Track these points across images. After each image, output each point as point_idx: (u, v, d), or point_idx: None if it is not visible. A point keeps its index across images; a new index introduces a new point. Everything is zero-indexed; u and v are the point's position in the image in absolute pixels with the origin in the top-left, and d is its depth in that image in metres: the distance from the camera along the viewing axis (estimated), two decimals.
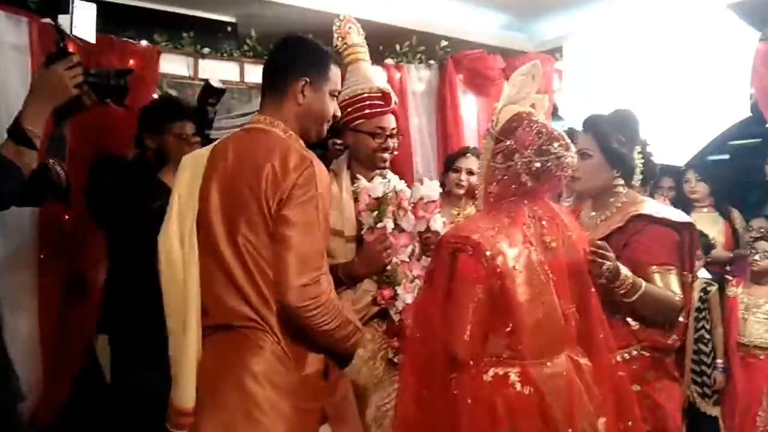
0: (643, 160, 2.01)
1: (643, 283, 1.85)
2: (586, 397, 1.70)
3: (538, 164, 1.69)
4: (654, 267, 1.91)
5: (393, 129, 2.33)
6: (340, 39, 2.41)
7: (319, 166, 1.65)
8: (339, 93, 1.85)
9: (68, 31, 1.87)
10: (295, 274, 1.56)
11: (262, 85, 1.81)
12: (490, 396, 1.65)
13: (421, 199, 2.29)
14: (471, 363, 1.68)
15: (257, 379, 1.58)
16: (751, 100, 3.12)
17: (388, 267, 2.16)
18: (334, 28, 2.42)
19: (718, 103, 3.03)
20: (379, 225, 2.17)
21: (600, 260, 1.76)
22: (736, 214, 3.71)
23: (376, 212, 2.18)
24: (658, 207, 2.00)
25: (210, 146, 1.78)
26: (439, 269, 1.75)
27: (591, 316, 1.78)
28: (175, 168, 1.80)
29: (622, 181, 2.01)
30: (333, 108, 1.81)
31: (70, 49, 1.88)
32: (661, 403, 1.92)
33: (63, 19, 1.88)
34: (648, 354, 1.93)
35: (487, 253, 1.64)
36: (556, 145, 1.70)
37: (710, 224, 3.59)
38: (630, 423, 1.75)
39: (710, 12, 3.12)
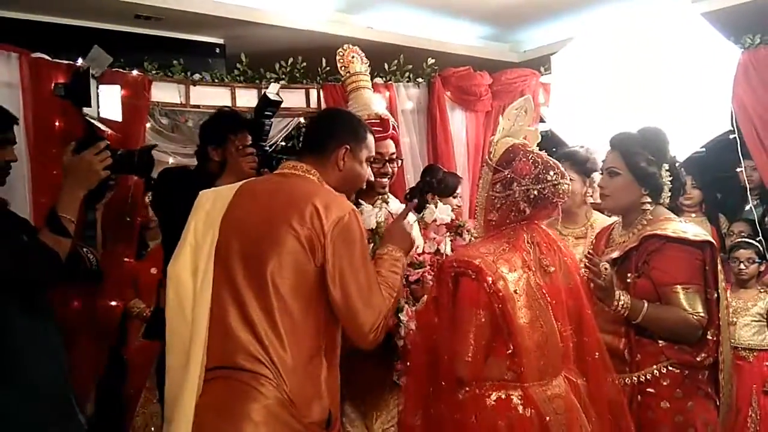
0: (671, 178, 2.00)
1: (645, 305, 1.88)
2: (584, 417, 1.77)
3: (535, 192, 1.76)
4: (677, 286, 1.90)
5: (392, 154, 2.37)
6: (343, 68, 2.47)
7: (357, 212, 1.70)
8: (375, 159, 1.98)
9: (95, 115, 1.98)
10: (366, 329, 1.63)
11: (303, 142, 1.89)
12: (494, 419, 1.70)
13: (434, 221, 2.34)
14: (474, 383, 1.73)
15: (258, 429, 1.53)
16: (731, 112, 3.20)
17: None
18: (337, 57, 2.48)
19: (701, 116, 3.09)
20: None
21: (594, 268, 1.81)
22: (722, 219, 3.78)
23: (372, 244, 2.21)
24: (678, 226, 1.96)
25: (233, 186, 1.80)
26: (442, 293, 1.82)
27: (588, 337, 1.84)
28: (234, 177, 1.84)
29: (649, 199, 2.01)
30: (368, 173, 1.93)
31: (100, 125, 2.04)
32: (692, 421, 1.92)
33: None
34: (677, 371, 1.93)
35: (489, 278, 1.70)
36: (551, 173, 1.77)
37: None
38: None
39: (693, 24, 3.19)
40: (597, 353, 1.83)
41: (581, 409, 1.76)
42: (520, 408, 1.71)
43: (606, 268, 1.82)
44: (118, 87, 2.00)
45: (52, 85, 2.09)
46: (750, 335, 3.26)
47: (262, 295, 1.60)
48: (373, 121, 2.35)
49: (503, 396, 1.72)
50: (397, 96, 3.72)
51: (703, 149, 3.52)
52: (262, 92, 2.56)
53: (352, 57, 2.47)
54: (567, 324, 1.80)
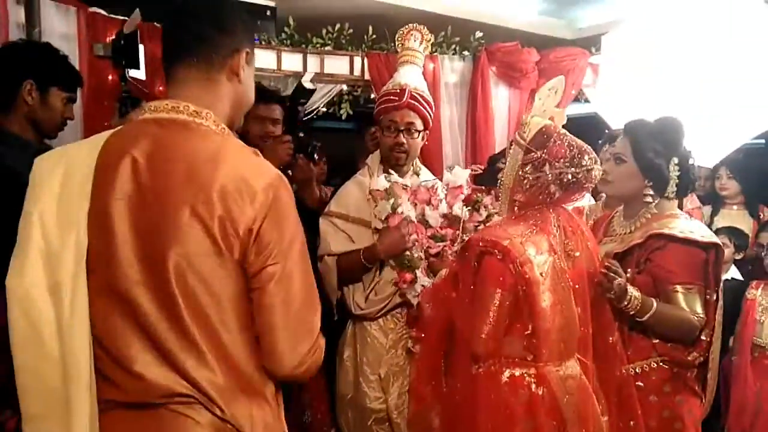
0: (679, 173, 1.96)
1: (655, 304, 1.86)
2: (594, 398, 1.80)
3: (569, 176, 1.74)
4: (677, 286, 1.90)
5: (408, 124, 2.36)
6: (400, 45, 2.57)
7: (284, 179, 1.26)
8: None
9: (138, 76, 2.15)
10: (289, 349, 1.23)
11: (168, 52, 1.29)
12: (506, 396, 1.74)
13: (447, 184, 2.42)
14: (489, 360, 1.76)
15: None
16: None
17: (407, 252, 2.27)
18: (397, 35, 2.59)
19: (758, 105, 2.97)
20: (399, 210, 2.28)
21: (611, 275, 1.80)
22: (766, 213, 3.65)
23: (392, 199, 2.30)
24: (684, 225, 1.94)
25: (89, 148, 1.23)
26: (464, 270, 1.83)
27: (604, 322, 1.87)
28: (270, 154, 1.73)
29: (651, 192, 1.99)
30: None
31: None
32: (680, 415, 1.93)
33: None
34: (667, 367, 1.95)
35: (517, 259, 1.70)
36: (586, 158, 1.76)
37: (740, 222, 3.55)
38: (631, 423, 1.85)
39: (753, 7, 3.05)
40: (611, 338, 1.87)
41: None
42: (533, 386, 1.74)
43: (620, 284, 1.80)
44: (142, 47, 2.09)
45: (94, 45, 2.16)
46: None
47: (171, 312, 1.17)
48: (393, 90, 2.39)
49: (517, 374, 1.75)
50: (441, 68, 3.69)
51: (762, 140, 3.39)
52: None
53: (412, 35, 2.57)
54: (587, 309, 1.82)
